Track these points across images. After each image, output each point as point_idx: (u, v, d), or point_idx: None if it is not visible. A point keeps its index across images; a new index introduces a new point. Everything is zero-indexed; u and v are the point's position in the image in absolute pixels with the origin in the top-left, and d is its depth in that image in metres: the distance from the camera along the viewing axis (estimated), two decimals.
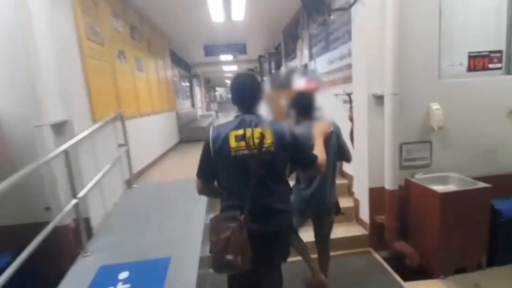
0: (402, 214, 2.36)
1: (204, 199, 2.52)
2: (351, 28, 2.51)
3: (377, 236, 2.51)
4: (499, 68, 2.50)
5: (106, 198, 2.51)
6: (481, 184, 2.13)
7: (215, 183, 1.33)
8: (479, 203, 2.13)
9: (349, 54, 2.94)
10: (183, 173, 3.62)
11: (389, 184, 2.33)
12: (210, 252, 1.21)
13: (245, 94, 1.30)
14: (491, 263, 2.24)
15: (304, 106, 1.63)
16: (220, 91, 25.95)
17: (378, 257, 2.47)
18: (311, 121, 1.58)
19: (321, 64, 3.91)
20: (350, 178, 3.08)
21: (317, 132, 1.47)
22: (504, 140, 2.52)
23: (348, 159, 1.86)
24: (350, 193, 3.02)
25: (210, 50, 7.10)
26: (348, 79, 3.03)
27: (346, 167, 3.20)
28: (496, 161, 2.55)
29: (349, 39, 2.95)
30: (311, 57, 4.27)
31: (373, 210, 2.51)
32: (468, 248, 2.17)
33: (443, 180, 2.38)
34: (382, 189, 2.41)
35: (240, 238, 1.13)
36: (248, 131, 1.22)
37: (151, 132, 4.36)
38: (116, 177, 2.82)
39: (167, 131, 5.40)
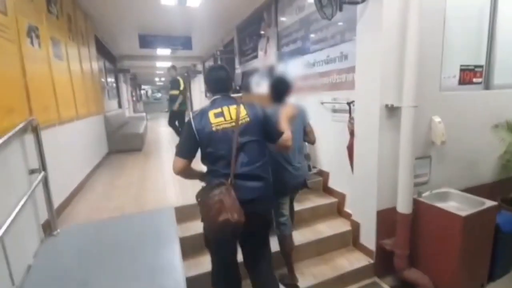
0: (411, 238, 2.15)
1: (174, 239, 1.87)
2: (357, 28, 2.17)
3: (383, 263, 2.25)
4: (480, 83, 2.57)
5: (12, 261, 1.50)
6: (489, 203, 2.07)
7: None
8: (487, 222, 2.07)
9: (342, 57, 2.62)
10: (125, 200, 2.73)
11: (402, 206, 2.08)
12: (203, 220, 1.39)
13: (221, 84, 1.52)
14: (490, 278, 2.23)
15: (276, 92, 1.89)
16: (146, 89, 23.49)
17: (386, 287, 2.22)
18: (281, 105, 1.77)
19: (295, 67, 3.53)
20: (339, 195, 2.79)
21: (284, 114, 1.60)
22: (487, 152, 2.61)
23: (312, 141, 2.10)
24: (342, 214, 2.72)
25: (147, 41, 5.99)
26: (337, 86, 2.72)
27: (334, 184, 2.89)
28: (478, 172, 2.63)
29: (342, 41, 2.64)
30: (280, 58, 3.87)
31: (380, 235, 2.24)
32: (476, 268, 2.10)
33: (443, 197, 2.28)
34: (391, 211, 2.15)
35: (230, 198, 1.27)
36: (225, 109, 1.42)
37: (75, 145, 3.21)
38: (27, 222, 1.80)
39: (95, 140, 4.18)
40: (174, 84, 4.94)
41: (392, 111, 2.06)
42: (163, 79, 17.60)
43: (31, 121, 1.89)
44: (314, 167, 3.10)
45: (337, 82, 2.72)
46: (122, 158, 4.65)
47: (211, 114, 1.38)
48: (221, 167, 1.37)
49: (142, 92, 21.45)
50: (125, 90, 9.87)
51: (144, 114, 9.79)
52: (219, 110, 1.40)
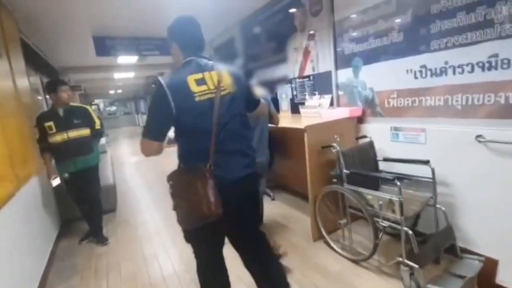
0: None
1: None
2: None
3: None
4: None
5: None
6: None
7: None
8: None
9: None
10: None
11: None
12: (175, 209, 1.19)
13: (198, 41, 1.29)
14: None
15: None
16: (98, 103, 20.43)
17: None
18: None
19: (385, 74, 2.18)
20: (490, 262, 1.49)
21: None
22: None
23: (276, 122, 2.11)
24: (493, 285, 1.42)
25: (107, 47, 4.15)
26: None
27: (478, 247, 1.59)
28: None
29: None
30: (347, 62, 2.48)
31: None
32: None
33: None
34: None
35: (209, 186, 1.08)
36: (207, 75, 1.19)
37: None
38: None
39: (35, 232, 2.34)
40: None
41: None
42: (119, 91, 15.11)
43: None
44: (465, 251, 1.77)
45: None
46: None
47: (191, 81, 1.14)
48: (202, 145, 1.14)
49: (94, 107, 18.45)
50: None
51: (104, 139, 7.62)
52: (200, 75, 1.17)
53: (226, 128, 1.17)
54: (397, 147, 2.17)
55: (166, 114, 1.10)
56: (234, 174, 1.19)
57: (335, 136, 2.13)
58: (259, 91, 1.66)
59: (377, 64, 2.24)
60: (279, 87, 3.46)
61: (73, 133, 2.49)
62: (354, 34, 2.37)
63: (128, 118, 21.75)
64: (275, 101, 3.52)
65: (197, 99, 1.12)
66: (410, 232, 1.65)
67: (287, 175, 3.44)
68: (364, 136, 2.33)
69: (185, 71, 1.17)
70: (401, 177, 1.93)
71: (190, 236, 1.27)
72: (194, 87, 1.13)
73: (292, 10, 2.97)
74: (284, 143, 3.21)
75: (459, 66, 1.71)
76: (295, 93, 3.21)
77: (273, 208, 3.08)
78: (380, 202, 1.75)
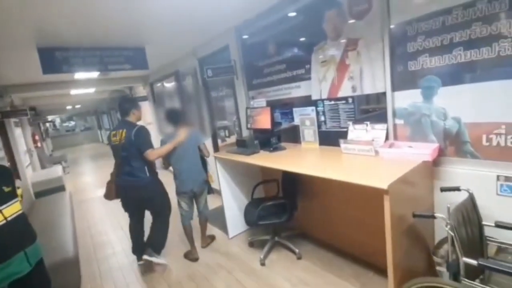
0: None
1: None
2: None
3: None
4: None
5: None
6: None
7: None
8: None
9: None
10: None
11: None
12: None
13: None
14: None
15: (172, 119, 2.63)
16: (53, 119, 18.23)
17: None
18: (179, 128, 2.53)
19: (483, 99, 1.52)
20: None
21: (178, 135, 2.48)
22: None
23: (206, 155, 2.74)
24: None
25: (57, 60, 3.10)
26: None
27: None
28: None
29: None
30: (410, 81, 1.78)
31: None
32: None
33: None
34: None
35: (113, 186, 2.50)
36: (119, 132, 2.37)
37: None
38: None
39: None
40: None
41: None
42: (78, 106, 13.37)
43: None
44: None
45: None
46: None
47: (112, 134, 2.49)
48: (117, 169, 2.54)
49: (48, 125, 16.28)
50: (23, 141, 6.18)
51: (59, 169, 6.23)
52: (114, 132, 2.47)
53: (124, 160, 2.40)
54: (509, 205, 1.51)
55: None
56: (126, 184, 2.44)
57: (447, 206, 1.37)
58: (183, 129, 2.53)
59: (469, 85, 1.57)
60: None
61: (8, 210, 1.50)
62: (427, 42, 1.69)
63: (90, 134, 19.60)
64: (292, 129, 2.75)
65: (112, 143, 2.44)
66: None
67: (312, 221, 2.67)
68: (456, 188, 1.62)
69: (114, 128, 2.54)
70: None
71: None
72: (112, 138, 2.45)
73: (323, 11, 2.24)
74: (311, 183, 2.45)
75: None
76: (323, 119, 2.46)
77: (303, 276, 2.28)
78: None
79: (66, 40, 2.93)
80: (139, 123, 2.49)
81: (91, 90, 6.98)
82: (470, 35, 1.53)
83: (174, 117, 2.62)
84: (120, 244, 3.33)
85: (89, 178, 7.76)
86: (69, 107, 12.97)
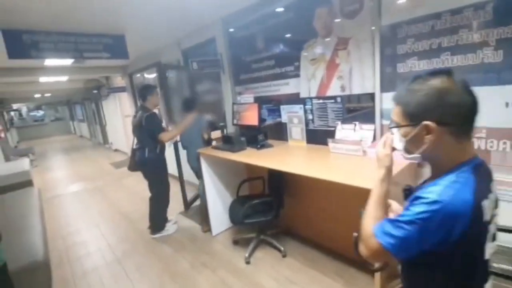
0: None
1: None
2: None
3: None
4: None
5: None
6: None
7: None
8: None
9: None
10: None
11: None
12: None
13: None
14: None
15: (185, 105, 2.99)
16: (19, 107, 16.96)
17: None
18: (188, 113, 2.81)
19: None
20: None
21: (185, 119, 2.78)
22: None
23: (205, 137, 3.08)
24: None
25: (24, 45, 2.84)
26: None
27: None
28: None
29: None
30: (399, 83, 1.81)
31: None
32: None
33: None
34: None
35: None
36: (137, 114, 2.74)
37: None
38: None
39: None
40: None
41: None
42: (48, 94, 12.50)
43: None
44: None
45: None
46: None
47: (132, 117, 3.04)
48: None
49: (12, 113, 15.11)
50: None
51: (26, 162, 5.75)
52: (134, 114, 2.99)
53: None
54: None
55: None
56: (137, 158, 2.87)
57: None
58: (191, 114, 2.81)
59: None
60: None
61: None
62: (416, 45, 1.72)
63: (60, 125, 18.48)
64: (278, 125, 2.72)
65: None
66: None
67: (297, 218, 2.68)
68: None
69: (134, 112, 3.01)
70: None
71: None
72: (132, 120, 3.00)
73: (313, 8, 2.21)
74: (299, 183, 2.45)
75: None
76: (311, 117, 2.46)
77: (289, 274, 2.29)
78: None
79: (35, 23, 2.69)
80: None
81: (64, 78, 6.55)
82: (457, 41, 1.57)
83: (189, 104, 2.95)
84: (96, 244, 3.16)
85: (60, 173, 7.27)
86: (37, 95, 12.09)
